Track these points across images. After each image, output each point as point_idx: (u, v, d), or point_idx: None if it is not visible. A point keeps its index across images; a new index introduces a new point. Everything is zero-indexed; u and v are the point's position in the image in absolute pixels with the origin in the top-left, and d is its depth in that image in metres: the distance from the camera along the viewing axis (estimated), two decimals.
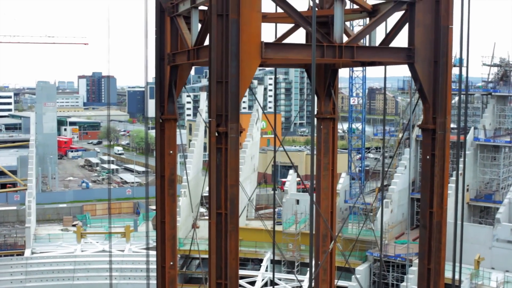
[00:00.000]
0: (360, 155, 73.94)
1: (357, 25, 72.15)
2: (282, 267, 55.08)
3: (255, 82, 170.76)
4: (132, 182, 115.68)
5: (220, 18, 13.55)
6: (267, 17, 18.06)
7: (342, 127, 64.43)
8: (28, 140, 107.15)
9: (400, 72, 67.10)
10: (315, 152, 15.79)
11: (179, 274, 48.69)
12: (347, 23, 19.45)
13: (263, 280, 54.20)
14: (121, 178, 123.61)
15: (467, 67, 17.06)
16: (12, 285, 55.32)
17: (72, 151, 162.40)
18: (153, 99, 19.05)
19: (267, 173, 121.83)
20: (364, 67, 69.69)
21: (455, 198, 16.74)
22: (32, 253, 56.91)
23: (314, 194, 20.00)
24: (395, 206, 54.51)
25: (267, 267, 54.56)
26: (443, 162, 15.75)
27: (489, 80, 63.41)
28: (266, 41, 13.96)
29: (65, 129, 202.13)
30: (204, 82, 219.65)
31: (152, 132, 21.51)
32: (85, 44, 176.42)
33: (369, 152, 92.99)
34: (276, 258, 53.11)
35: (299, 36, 19.63)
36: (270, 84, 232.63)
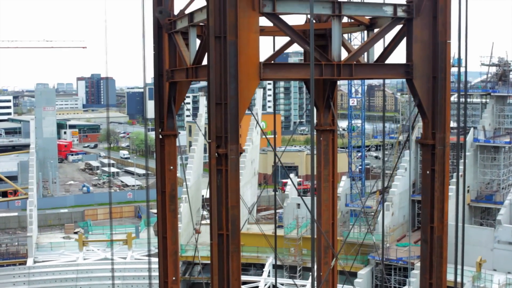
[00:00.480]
0: (360, 153, 74.07)
1: (355, 38, 72.33)
2: (284, 272, 55.06)
3: None
4: (133, 185, 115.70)
5: (218, 39, 13.56)
6: (265, 31, 18.08)
7: (339, 126, 64.09)
8: (28, 145, 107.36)
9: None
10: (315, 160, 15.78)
11: (182, 280, 48.76)
12: (345, 35, 19.43)
13: (265, 285, 54.14)
14: (121, 181, 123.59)
15: (465, 67, 17.07)
16: None
17: (72, 155, 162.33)
18: (152, 100, 19.06)
19: (268, 173, 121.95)
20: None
21: (456, 200, 16.77)
22: (35, 262, 56.94)
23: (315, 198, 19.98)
24: (396, 209, 54.57)
25: (269, 272, 54.54)
26: (443, 177, 15.76)
27: (488, 80, 63.42)
28: (264, 60, 14.00)
29: (64, 132, 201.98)
30: (203, 82, 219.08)
31: (152, 134, 21.46)
32: (83, 47, 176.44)
33: (369, 150, 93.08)
34: (278, 263, 53.15)
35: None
36: (269, 83, 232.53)
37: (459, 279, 16.14)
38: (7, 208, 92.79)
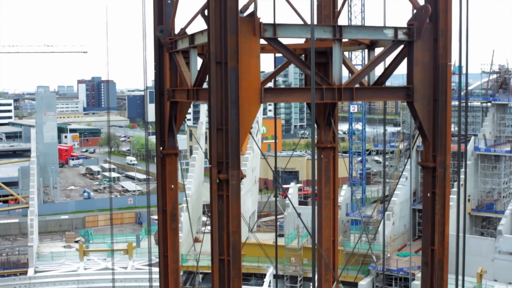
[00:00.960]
0: (360, 157, 74.04)
1: (356, 57, 72.39)
2: (285, 282, 54.93)
3: None
4: (134, 191, 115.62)
5: (219, 65, 13.58)
6: (265, 49, 18.12)
7: (339, 130, 64.26)
8: (29, 150, 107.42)
9: (400, 70, 66.51)
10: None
11: None
12: (345, 53, 19.44)
13: None
14: (122, 187, 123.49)
15: (466, 74, 17.09)
16: None
17: (73, 159, 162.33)
18: (153, 103, 19.06)
19: (269, 178, 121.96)
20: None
21: (457, 210, 16.76)
22: (35, 272, 56.93)
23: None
24: (396, 218, 54.54)
25: (270, 282, 54.40)
26: (443, 200, 15.76)
27: (488, 87, 63.38)
28: (264, 77, 14.00)
29: (65, 136, 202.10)
30: (204, 85, 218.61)
31: (152, 138, 21.41)
32: (84, 52, 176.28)
33: (369, 154, 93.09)
34: (279, 273, 53.07)
35: None
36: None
37: None
38: (7, 214, 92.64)
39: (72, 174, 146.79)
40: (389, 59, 15.96)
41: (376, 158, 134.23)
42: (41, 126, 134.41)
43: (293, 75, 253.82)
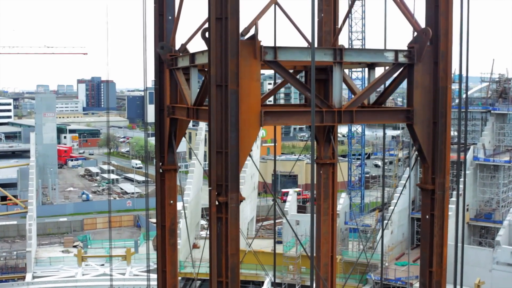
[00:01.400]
0: (359, 161, 74.03)
1: (356, 25, 72.21)
2: None
3: None
4: (132, 193, 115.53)
5: (220, 88, 13.59)
6: (265, 66, 18.15)
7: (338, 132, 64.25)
8: (28, 151, 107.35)
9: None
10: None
11: None
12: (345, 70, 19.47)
13: None
14: (121, 189, 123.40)
15: (466, 84, 17.12)
16: None
17: (72, 160, 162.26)
18: (153, 104, 19.09)
19: (267, 182, 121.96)
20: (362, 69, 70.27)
21: (456, 219, 16.80)
22: (33, 277, 56.80)
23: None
24: (395, 227, 54.58)
25: None
26: (442, 222, 15.80)
27: (488, 96, 63.45)
28: (264, 95, 14.02)
29: (64, 137, 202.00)
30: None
31: (152, 140, 21.44)
32: (84, 54, 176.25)
33: (368, 158, 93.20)
34: (277, 280, 53.02)
35: None
36: (269, 89, 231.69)
37: None
38: (6, 216, 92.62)
39: (71, 175, 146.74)
40: (388, 76, 16.05)
41: (376, 162, 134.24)
42: (41, 127, 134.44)
43: None
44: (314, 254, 18.06)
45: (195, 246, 58.73)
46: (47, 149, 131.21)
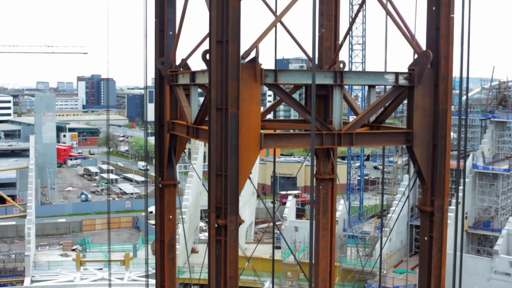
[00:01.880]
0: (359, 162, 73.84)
1: (357, 43, 72.34)
2: None
3: None
4: (131, 193, 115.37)
5: (220, 111, 13.60)
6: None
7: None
8: (27, 150, 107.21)
9: (400, 60, 66.32)
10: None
11: None
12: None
13: None
14: (120, 189, 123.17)
15: (467, 91, 17.11)
16: None
17: (71, 159, 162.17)
18: (153, 103, 19.09)
19: (266, 184, 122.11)
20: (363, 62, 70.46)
21: (455, 229, 16.82)
22: (32, 281, 56.71)
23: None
24: (393, 234, 54.57)
25: None
26: (440, 244, 15.81)
27: (488, 103, 63.44)
28: (264, 110, 14.04)
29: (64, 136, 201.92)
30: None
31: (152, 140, 21.44)
32: (84, 53, 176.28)
33: (367, 159, 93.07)
34: (276, 287, 52.98)
35: None
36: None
37: None
38: (4, 213, 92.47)
39: (70, 175, 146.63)
40: (389, 98, 16.07)
41: (375, 164, 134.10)
42: (40, 126, 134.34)
43: None
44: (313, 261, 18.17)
45: (193, 250, 58.73)
46: (47, 149, 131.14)
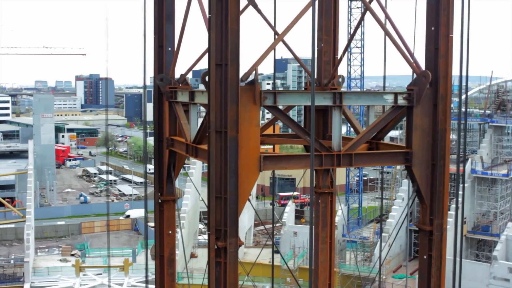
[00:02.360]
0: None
1: (355, 46, 72.39)
2: None
3: None
4: (130, 195, 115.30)
5: (219, 134, 13.62)
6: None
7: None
8: (26, 151, 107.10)
9: (399, 71, 65.67)
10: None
11: None
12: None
13: None
14: (119, 190, 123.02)
15: (466, 97, 17.13)
16: None
17: (70, 160, 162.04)
18: (151, 102, 19.10)
19: (265, 185, 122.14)
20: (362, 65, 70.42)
21: (454, 234, 16.84)
22: (31, 287, 56.41)
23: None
24: (392, 239, 54.49)
25: None
26: (439, 263, 15.85)
27: (487, 107, 63.47)
28: (262, 127, 14.06)
29: (62, 136, 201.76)
30: (202, 87, 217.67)
31: (151, 140, 21.42)
32: (83, 54, 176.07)
33: None
34: None
35: None
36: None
37: None
38: (4, 218, 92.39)
39: (69, 176, 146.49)
40: (388, 118, 16.08)
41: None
42: (39, 128, 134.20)
43: (292, 78, 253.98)
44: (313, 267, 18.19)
45: (192, 255, 58.74)
46: (45, 150, 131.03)
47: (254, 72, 13.94)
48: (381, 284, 47.70)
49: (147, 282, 28.22)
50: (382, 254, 49.71)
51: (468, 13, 15.21)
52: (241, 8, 13.32)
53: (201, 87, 14.96)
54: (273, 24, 17.70)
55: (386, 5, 17.49)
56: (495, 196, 58.29)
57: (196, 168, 62.32)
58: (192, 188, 59.14)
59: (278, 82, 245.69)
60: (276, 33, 16.71)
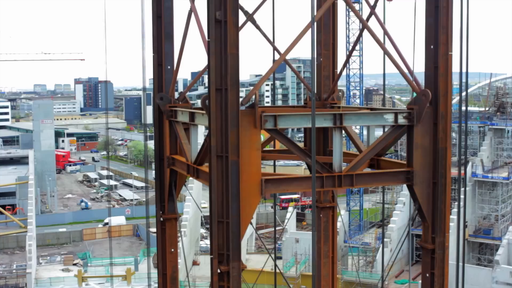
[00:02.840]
0: None
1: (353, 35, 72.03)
2: None
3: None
4: (131, 199, 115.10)
5: (220, 159, 13.61)
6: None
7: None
8: (26, 157, 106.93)
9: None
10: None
11: None
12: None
13: None
14: (119, 195, 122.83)
15: (466, 100, 17.11)
16: None
17: (70, 165, 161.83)
18: (151, 105, 19.09)
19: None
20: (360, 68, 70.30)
21: (457, 238, 16.80)
22: None
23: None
24: (394, 244, 54.50)
25: None
26: (442, 281, 15.86)
27: (487, 109, 63.41)
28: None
29: (62, 141, 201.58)
30: (201, 90, 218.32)
31: (151, 144, 21.40)
32: (81, 60, 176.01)
33: None
34: None
35: None
36: (266, 91, 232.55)
37: None
38: (5, 226, 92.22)
39: (69, 181, 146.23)
40: (388, 138, 16.07)
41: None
42: (39, 134, 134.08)
43: (291, 79, 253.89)
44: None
45: (194, 263, 58.70)
46: (46, 156, 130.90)
47: (254, 95, 13.96)
48: None
49: None
50: (384, 260, 49.70)
51: (468, 13, 15.17)
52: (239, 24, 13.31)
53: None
54: (272, 25, 17.76)
55: (385, 22, 17.56)
56: (496, 199, 58.25)
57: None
58: (193, 193, 58.99)
59: (277, 83, 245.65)
60: (279, 52, 16.70)
